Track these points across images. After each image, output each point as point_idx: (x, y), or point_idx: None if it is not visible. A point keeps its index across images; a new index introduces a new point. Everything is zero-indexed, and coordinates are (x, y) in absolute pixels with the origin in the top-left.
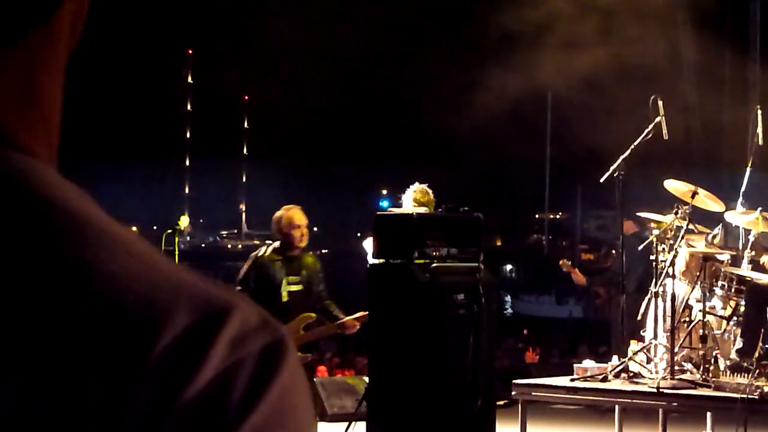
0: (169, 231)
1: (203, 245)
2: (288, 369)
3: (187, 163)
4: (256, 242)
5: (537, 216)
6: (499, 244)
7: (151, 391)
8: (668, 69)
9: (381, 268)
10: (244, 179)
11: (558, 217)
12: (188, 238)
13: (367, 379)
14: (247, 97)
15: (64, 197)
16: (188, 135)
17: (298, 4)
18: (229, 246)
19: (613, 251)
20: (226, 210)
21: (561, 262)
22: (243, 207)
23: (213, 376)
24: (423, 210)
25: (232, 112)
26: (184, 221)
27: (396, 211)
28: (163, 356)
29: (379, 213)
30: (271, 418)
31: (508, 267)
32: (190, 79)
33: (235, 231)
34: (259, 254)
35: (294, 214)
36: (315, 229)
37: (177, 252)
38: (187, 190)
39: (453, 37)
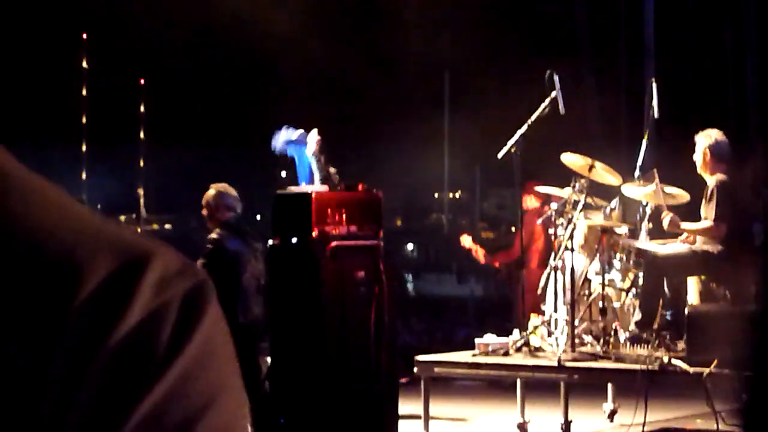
0: None
1: None
2: (212, 311)
3: (84, 148)
4: (155, 227)
5: (436, 195)
6: (399, 223)
7: (77, 335)
8: (564, 41)
9: (280, 247)
10: (141, 164)
11: (458, 196)
12: None
13: (268, 359)
14: (143, 82)
15: None
16: (84, 120)
17: None
18: None
19: (513, 228)
20: (124, 195)
21: (461, 237)
22: (141, 192)
23: (140, 318)
24: (323, 188)
25: (128, 97)
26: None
27: (295, 189)
28: (88, 301)
29: (278, 192)
30: (199, 357)
31: (409, 246)
32: (85, 64)
33: (134, 216)
34: None
35: None
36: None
37: None
38: (84, 176)
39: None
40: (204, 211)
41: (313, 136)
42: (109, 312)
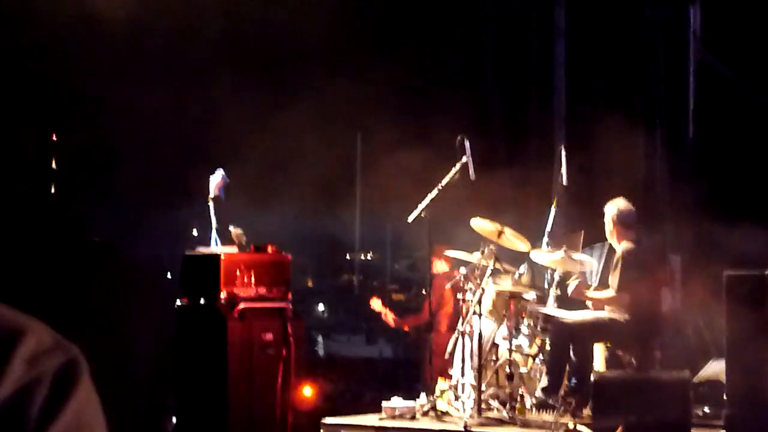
0: None
1: None
2: (83, 387)
3: None
4: None
5: (348, 256)
6: (310, 284)
7: None
8: (475, 106)
9: (189, 308)
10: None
11: (369, 257)
12: None
13: (174, 419)
14: (55, 137)
15: None
16: None
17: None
18: None
19: (423, 291)
20: None
21: (371, 300)
22: None
23: (10, 393)
24: (233, 250)
25: (39, 151)
26: None
27: (204, 250)
28: None
29: (186, 253)
30: None
31: (320, 307)
32: None
33: None
34: None
35: None
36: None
37: None
38: None
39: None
40: None
41: (215, 177)
42: None
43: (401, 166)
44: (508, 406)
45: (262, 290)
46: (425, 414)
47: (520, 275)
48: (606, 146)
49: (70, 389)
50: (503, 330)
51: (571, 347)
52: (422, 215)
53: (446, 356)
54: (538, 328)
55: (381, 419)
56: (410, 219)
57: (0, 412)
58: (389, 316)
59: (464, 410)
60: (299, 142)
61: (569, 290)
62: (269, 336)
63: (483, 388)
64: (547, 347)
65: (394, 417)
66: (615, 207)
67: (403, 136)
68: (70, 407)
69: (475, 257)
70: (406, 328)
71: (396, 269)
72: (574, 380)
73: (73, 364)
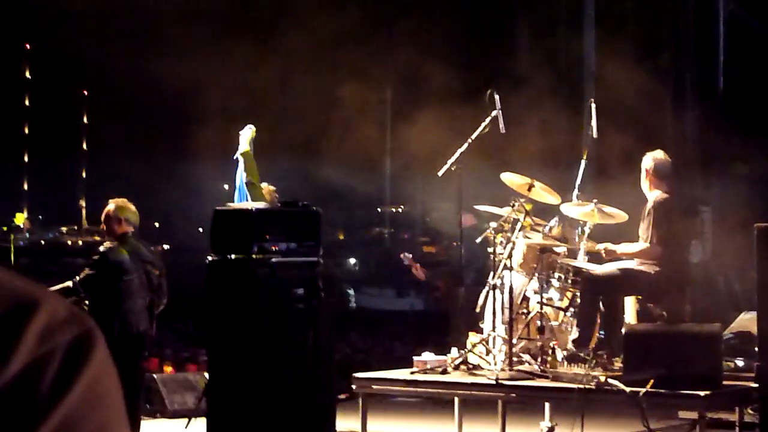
0: (5, 228)
1: (42, 241)
2: (96, 360)
3: (26, 159)
4: (97, 238)
5: (379, 209)
6: (341, 237)
7: None
8: (504, 61)
9: (220, 263)
10: (83, 175)
11: (399, 210)
12: (27, 235)
13: (207, 374)
14: (86, 92)
15: None
16: (27, 130)
17: None
18: (69, 242)
19: (454, 244)
20: (66, 206)
21: (401, 255)
22: (83, 203)
23: (22, 367)
24: (263, 205)
25: (71, 108)
26: (20, 218)
27: (234, 205)
28: None
29: (217, 208)
30: (80, 407)
31: (351, 260)
32: (28, 74)
33: (75, 227)
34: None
35: None
36: (156, 224)
37: (12, 248)
38: (25, 186)
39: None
40: (102, 225)
41: (245, 133)
42: None
43: (432, 119)
44: (539, 359)
45: (293, 245)
46: (457, 368)
47: (551, 228)
48: (635, 99)
49: (82, 362)
50: (534, 283)
51: (601, 300)
52: (453, 168)
53: (477, 310)
54: (569, 281)
55: (412, 373)
56: (441, 172)
57: (12, 386)
58: (419, 270)
59: (495, 364)
60: (330, 97)
61: (599, 247)
62: (300, 290)
63: (514, 341)
64: (578, 300)
65: (425, 371)
66: (651, 158)
67: (433, 89)
68: (83, 380)
69: (505, 211)
70: (436, 282)
71: (427, 222)
72: (604, 333)
73: (87, 336)
